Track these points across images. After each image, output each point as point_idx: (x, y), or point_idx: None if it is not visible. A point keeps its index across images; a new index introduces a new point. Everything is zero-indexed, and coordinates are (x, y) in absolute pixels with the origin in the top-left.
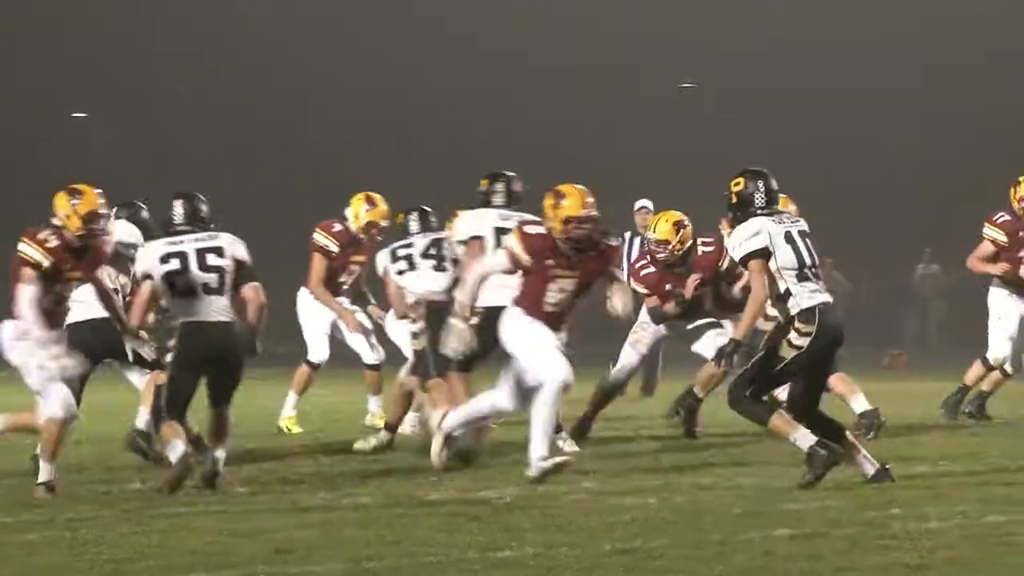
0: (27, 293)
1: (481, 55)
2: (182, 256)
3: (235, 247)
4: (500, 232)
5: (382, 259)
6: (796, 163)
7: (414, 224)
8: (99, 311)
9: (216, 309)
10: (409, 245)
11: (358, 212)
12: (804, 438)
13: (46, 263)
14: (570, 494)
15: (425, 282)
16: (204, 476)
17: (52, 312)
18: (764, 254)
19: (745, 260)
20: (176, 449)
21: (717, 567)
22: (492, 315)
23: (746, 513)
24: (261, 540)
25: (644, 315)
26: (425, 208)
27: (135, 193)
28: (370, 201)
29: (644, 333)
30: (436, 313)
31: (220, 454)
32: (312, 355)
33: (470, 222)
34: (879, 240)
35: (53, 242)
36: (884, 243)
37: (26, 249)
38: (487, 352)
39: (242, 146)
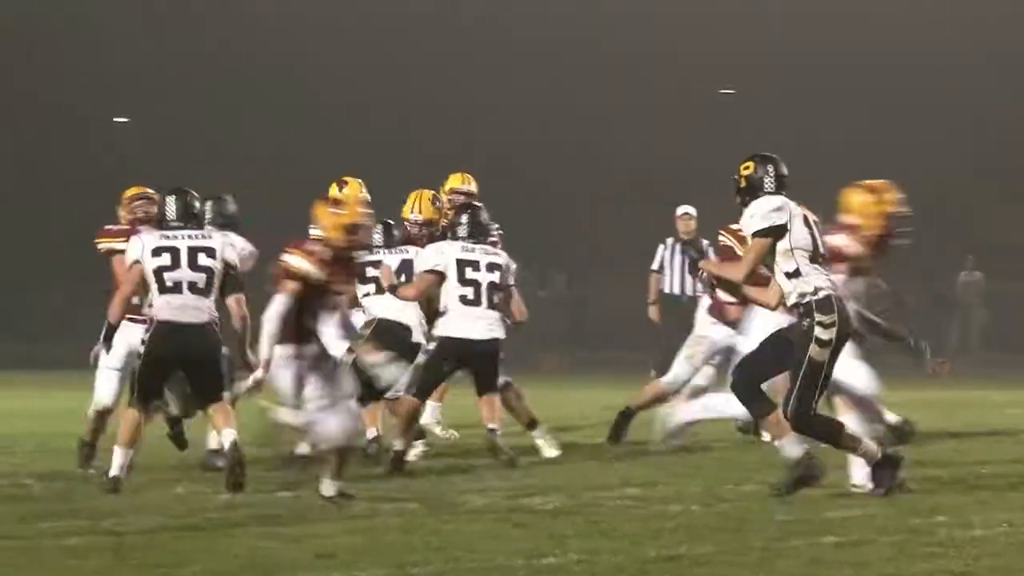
0: (281, 304)
1: (519, 56)
2: (174, 252)
3: (227, 250)
4: (462, 264)
5: None
6: (837, 169)
7: (377, 237)
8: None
9: (195, 309)
10: (377, 264)
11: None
12: (870, 451)
13: (316, 274)
14: (614, 500)
15: (389, 310)
16: (228, 480)
17: (309, 327)
18: (779, 232)
19: (757, 233)
20: (116, 458)
21: (761, 574)
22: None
23: (791, 520)
24: (305, 545)
25: (700, 327)
26: (389, 221)
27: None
28: (341, 183)
29: (699, 347)
30: (387, 333)
31: (231, 436)
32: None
33: (435, 255)
34: (921, 246)
35: (322, 253)
36: (926, 250)
37: (293, 260)
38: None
39: (282, 149)
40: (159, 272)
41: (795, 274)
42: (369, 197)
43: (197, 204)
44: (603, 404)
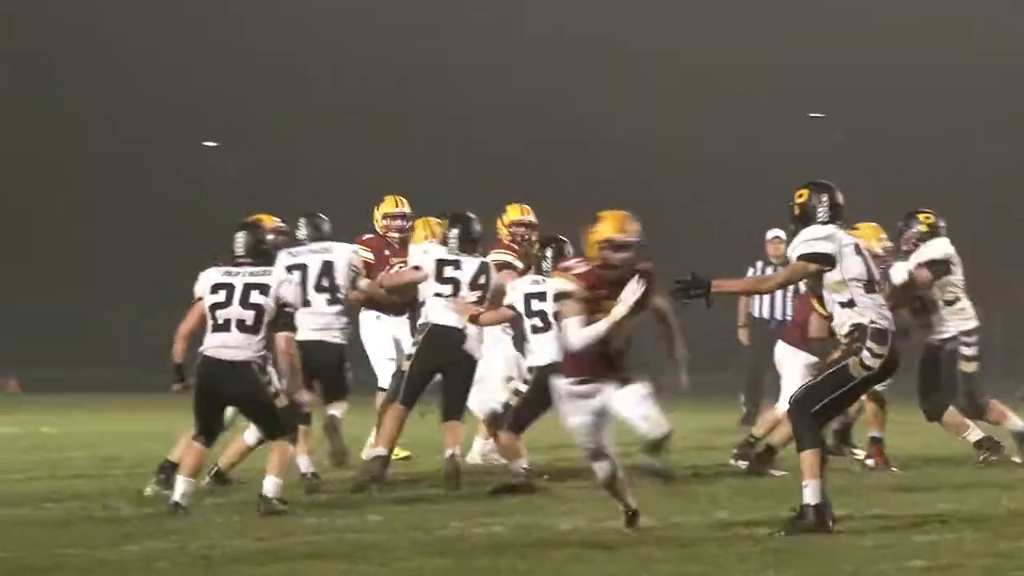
0: (572, 326)
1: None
2: (229, 288)
3: (283, 287)
4: (529, 297)
5: (421, 257)
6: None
7: (453, 241)
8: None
9: (237, 348)
10: (457, 264)
11: (376, 216)
12: (813, 493)
13: (578, 292)
14: (701, 524)
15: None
16: (260, 509)
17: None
18: (823, 261)
19: (800, 257)
20: (179, 485)
21: None
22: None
23: (879, 545)
24: (393, 568)
25: (781, 354)
26: (470, 218)
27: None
28: (379, 201)
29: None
30: (442, 339)
31: (271, 485)
32: (382, 381)
33: (508, 291)
34: (1010, 269)
35: (580, 268)
36: (1016, 272)
37: (558, 282)
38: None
39: (365, 168)
40: (213, 309)
41: (849, 304)
42: (408, 210)
43: (266, 238)
44: (696, 428)
